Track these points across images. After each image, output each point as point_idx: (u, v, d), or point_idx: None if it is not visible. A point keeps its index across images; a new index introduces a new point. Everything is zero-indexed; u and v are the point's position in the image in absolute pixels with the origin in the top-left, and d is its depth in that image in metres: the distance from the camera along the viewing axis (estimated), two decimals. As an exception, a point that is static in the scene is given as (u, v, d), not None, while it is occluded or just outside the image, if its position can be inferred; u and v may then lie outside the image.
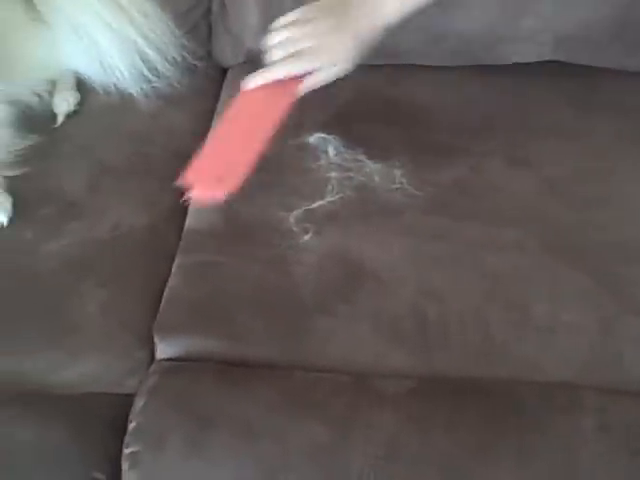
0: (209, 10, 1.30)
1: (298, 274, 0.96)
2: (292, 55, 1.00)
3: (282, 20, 1.03)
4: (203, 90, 1.26)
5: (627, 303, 0.93)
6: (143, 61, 1.22)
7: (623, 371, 0.89)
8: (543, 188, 1.05)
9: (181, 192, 0.94)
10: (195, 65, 1.25)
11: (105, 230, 1.03)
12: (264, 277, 0.96)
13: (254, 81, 1.01)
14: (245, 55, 1.29)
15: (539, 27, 1.21)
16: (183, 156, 1.14)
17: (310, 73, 1.00)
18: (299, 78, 1.00)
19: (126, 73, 1.21)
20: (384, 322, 0.92)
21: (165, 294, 0.97)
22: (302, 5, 1.18)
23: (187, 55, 1.24)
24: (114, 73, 1.22)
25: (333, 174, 1.06)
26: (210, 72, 1.30)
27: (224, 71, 1.32)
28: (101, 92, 1.22)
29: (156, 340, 0.93)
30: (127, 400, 0.89)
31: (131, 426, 0.85)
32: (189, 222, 1.05)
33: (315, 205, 1.03)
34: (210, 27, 1.30)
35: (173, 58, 1.23)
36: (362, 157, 1.07)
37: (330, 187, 1.04)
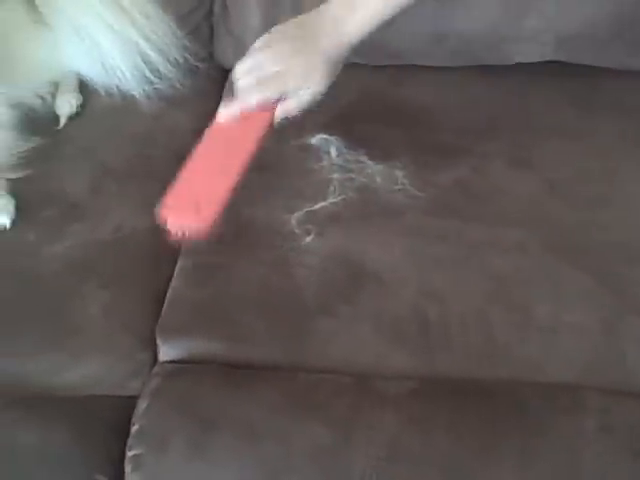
0: (211, 11, 1.30)
1: (300, 276, 0.96)
2: (260, 82, 1.00)
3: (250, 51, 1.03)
4: (205, 91, 1.26)
5: (630, 303, 0.93)
6: (145, 63, 1.22)
7: (626, 372, 0.89)
8: (546, 189, 1.05)
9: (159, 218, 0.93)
10: (197, 66, 1.25)
11: (107, 232, 1.03)
12: (266, 279, 0.96)
13: (226, 113, 1.01)
14: (247, 56, 1.29)
15: (542, 27, 1.20)
16: (185, 157, 1.15)
17: (282, 99, 0.99)
18: (272, 105, 1.00)
19: (128, 75, 1.22)
20: (386, 323, 0.92)
21: (168, 296, 0.97)
22: (301, 7, 1.19)
23: (189, 56, 1.24)
24: (116, 75, 1.22)
25: (335, 175, 1.06)
26: (212, 73, 1.30)
27: (226, 72, 1.31)
28: (103, 94, 1.22)
29: (159, 342, 0.93)
30: (130, 402, 0.89)
31: (134, 428, 0.86)
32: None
33: (317, 206, 1.03)
34: (212, 28, 1.30)
35: (175, 59, 1.23)
36: (364, 158, 1.07)
37: (332, 188, 1.04)
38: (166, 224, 0.92)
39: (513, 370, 0.89)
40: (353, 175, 1.05)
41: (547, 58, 1.22)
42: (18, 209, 1.05)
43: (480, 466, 0.82)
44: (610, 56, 1.23)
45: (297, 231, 0.99)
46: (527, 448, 0.82)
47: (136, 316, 0.96)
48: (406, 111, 1.18)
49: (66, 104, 1.20)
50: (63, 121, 1.19)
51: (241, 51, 1.27)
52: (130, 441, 0.85)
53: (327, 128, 1.10)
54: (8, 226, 1.03)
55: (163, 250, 1.02)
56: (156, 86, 1.21)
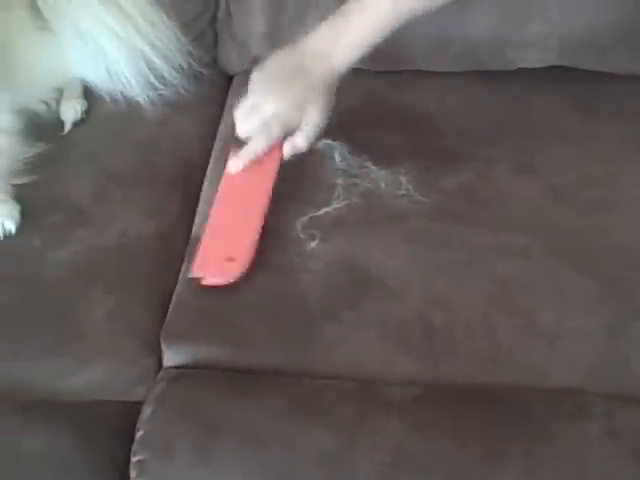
0: (215, 17, 1.30)
1: (305, 281, 0.96)
2: (261, 128, 1.01)
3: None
4: (209, 97, 1.26)
5: (634, 308, 0.93)
6: (150, 69, 1.22)
7: (630, 377, 0.89)
8: (549, 194, 1.05)
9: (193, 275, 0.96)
10: (201, 72, 1.25)
11: (112, 237, 1.03)
12: (271, 284, 0.96)
13: (236, 164, 1.03)
14: (251, 62, 1.28)
15: (545, 32, 1.21)
16: (190, 163, 1.16)
17: (287, 137, 1.02)
18: (278, 144, 1.02)
19: (133, 81, 1.22)
20: (390, 329, 0.92)
21: (172, 301, 0.97)
22: (307, 8, 1.19)
23: (193, 62, 1.24)
24: (121, 81, 1.22)
25: (339, 180, 1.06)
26: (216, 79, 1.30)
27: (230, 78, 1.32)
28: (108, 100, 1.22)
29: (163, 347, 0.93)
30: (135, 408, 0.89)
31: (139, 434, 0.86)
32: (196, 229, 1.05)
33: (321, 212, 1.03)
34: (216, 34, 1.31)
35: (179, 65, 1.23)
36: (368, 163, 1.07)
37: (336, 194, 1.05)
38: (201, 280, 0.94)
39: (517, 375, 0.89)
40: (357, 180, 1.06)
41: (550, 63, 1.22)
42: (23, 215, 1.05)
43: (485, 472, 0.82)
44: (613, 61, 1.23)
45: (302, 236, 1.00)
46: (532, 453, 0.82)
47: (141, 321, 0.96)
48: (410, 116, 1.18)
49: (71, 110, 1.20)
50: (68, 127, 1.19)
51: (245, 57, 1.29)
52: (135, 446, 0.85)
53: (331, 133, 1.09)
54: (13, 231, 1.03)
55: (168, 255, 1.03)
56: (160, 92, 1.22)
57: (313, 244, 0.99)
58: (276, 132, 1.01)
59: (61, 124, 1.19)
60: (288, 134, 1.02)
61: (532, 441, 0.83)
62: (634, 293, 0.94)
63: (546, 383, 0.88)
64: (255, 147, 1.02)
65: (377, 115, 1.17)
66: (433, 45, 1.24)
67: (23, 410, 0.90)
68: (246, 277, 0.96)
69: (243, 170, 1.03)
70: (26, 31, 1.21)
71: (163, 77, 1.22)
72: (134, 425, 0.87)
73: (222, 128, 1.21)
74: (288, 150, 1.02)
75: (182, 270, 1.00)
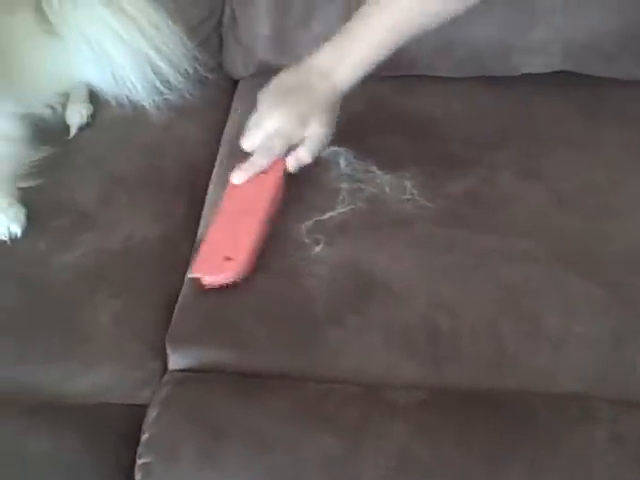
0: (220, 22, 1.30)
1: (310, 285, 0.96)
2: (265, 143, 1.03)
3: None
4: (214, 102, 1.27)
5: (639, 314, 0.93)
6: (155, 73, 1.23)
7: (636, 382, 0.88)
8: (554, 199, 1.05)
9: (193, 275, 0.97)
10: (206, 77, 1.26)
11: (118, 241, 1.04)
12: (276, 288, 0.96)
13: (240, 176, 1.04)
14: (256, 66, 1.30)
15: (549, 38, 1.21)
16: (195, 167, 1.16)
17: (291, 151, 1.04)
18: (282, 158, 1.04)
19: (138, 85, 1.22)
20: (395, 333, 0.92)
21: (178, 305, 0.97)
22: (312, 12, 1.19)
23: (198, 67, 1.25)
24: (126, 85, 1.23)
25: (344, 185, 1.06)
26: (221, 83, 1.30)
27: (235, 82, 1.33)
28: (113, 104, 1.23)
29: (169, 351, 0.93)
30: (140, 411, 0.89)
31: (144, 437, 0.86)
32: (201, 233, 1.06)
33: (326, 216, 1.03)
34: (221, 39, 1.31)
35: (185, 70, 1.24)
36: (373, 168, 1.07)
37: (341, 198, 1.05)
38: (200, 280, 0.95)
39: (522, 380, 0.89)
40: (362, 185, 1.06)
41: (554, 69, 1.22)
42: (29, 218, 1.05)
43: (489, 477, 0.82)
44: (617, 67, 1.24)
45: (306, 241, 1.00)
46: (537, 459, 0.82)
47: (146, 325, 0.96)
48: (414, 121, 1.18)
49: (76, 114, 1.21)
50: (74, 131, 1.19)
51: (250, 61, 1.29)
52: (140, 449, 0.85)
53: (336, 138, 1.10)
54: (19, 235, 1.04)
55: (173, 259, 1.03)
56: (166, 96, 1.22)
57: (318, 248, 0.99)
58: (278, 147, 1.03)
59: (67, 128, 1.20)
60: (291, 148, 1.04)
61: (537, 446, 0.83)
62: (639, 298, 0.94)
63: (551, 388, 0.88)
64: (258, 161, 1.04)
65: (382, 120, 1.17)
66: (438, 50, 1.24)
67: (29, 413, 0.90)
68: (251, 281, 0.96)
69: (245, 183, 1.04)
70: (32, 35, 1.22)
71: (168, 82, 1.23)
72: (139, 428, 0.87)
73: (227, 132, 1.22)
74: (292, 163, 1.04)
75: (187, 274, 1.00)
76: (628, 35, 1.21)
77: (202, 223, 1.08)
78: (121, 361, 0.93)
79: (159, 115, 1.21)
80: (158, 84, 1.22)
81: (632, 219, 1.03)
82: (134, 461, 0.85)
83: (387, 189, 1.05)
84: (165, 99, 1.22)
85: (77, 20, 1.22)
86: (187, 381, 0.91)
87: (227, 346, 0.92)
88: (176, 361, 0.93)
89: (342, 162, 1.08)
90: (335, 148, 1.09)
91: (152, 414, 0.87)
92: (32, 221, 1.05)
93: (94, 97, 1.24)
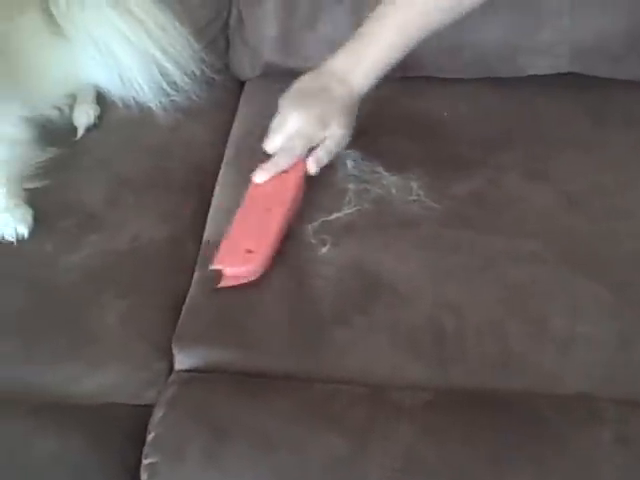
0: (227, 23, 1.31)
1: (316, 286, 0.96)
2: (286, 144, 1.05)
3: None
4: (221, 103, 1.27)
5: (646, 315, 0.93)
6: (162, 75, 1.23)
7: (642, 383, 0.88)
8: (561, 200, 1.05)
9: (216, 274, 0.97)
10: (213, 78, 1.26)
11: (124, 242, 1.04)
12: (282, 289, 0.97)
13: (263, 176, 1.05)
14: (263, 68, 1.30)
15: (556, 39, 1.21)
16: (201, 168, 1.16)
17: (311, 152, 1.05)
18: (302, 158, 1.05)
19: (145, 87, 1.23)
20: (401, 334, 0.92)
21: (185, 305, 0.98)
22: (319, 13, 1.19)
23: (205, 68, 1.25)
24: (133, 87, 1.23)
25: (350, 186, 1.06)
26: (228, 85, 1.31)
27: (242, 84, 1.33)
28: (120, 105, 1.23)
29: (175, 351, 0.93)
30: (146, 411, 0.89)
31: (150, 437, 0.86)
32: (208, 234, 1.06)
33: (332, 217, 1.03)
34: (228, 40, 1.31)
35: (191, 71, 1.24)
36: (379, 169, 1.08)
37: (347, 199, 1.05)
38: (221, 274, 0.96)
39: (529, 381, 0.89)
40: (368, 186, 1.06)
41: (561, 70, 1.22)
42: (36, 219, 1.05)
43: (495, 477, 0.82)
44: (624, 68, 1.23)
45: (313, 241, 1.00)
46: (543, 459, 0.82)
47: (153, 325, 0.96)
48: (420, 123, 1.18)
49: (84, 115, 1.21)
50: (81, 132, 1.20)
51: (257, 62, 1.29)
52: (146, 449, 0.85)
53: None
54: (26, 236, 1.04)
55: (180, 260, 1.03)
56: (173, 98, 1.22)
57: (324, 249, 0.99)
58: (299, 148, 1.05)
59: (73, 129, 1.20)
60: (311, 149, 1.05)
61: (543, 447, 0.83)
62: (647, 299, 0.94)
63: (558, 389, 0.88)
64: (280, 161, 1.05)
65: (388, 121, 1.17)
66: (444, 52, 1.24)
67: (35, 413, 0.90)
68: (257, 281, 0.96)
69: (267, 183, 1.05)
70: (39, 36, 1.22)
71: (175, 83, 1.23)
72: (145, 428, 0.87)
73: (234, 133, 1.22)
74: (312, 164, 1.05)
75: (194, 274, 1.01)
76: (635, 36, 1.21)
77: (208, 224, 1.08)
78: (127, 361, 0.93)
79: (166, 116, 1.21)
80: (165, 85, 1.23)
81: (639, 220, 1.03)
82: (140, 461, 0.85)
83: (393, 190, 1.06)
84: (172, 100, 1.22)
85: (84, 22, 1.22)
86: (193, 381, 0.91)
87: (233, 346, 0.93)
88: (182, 361, 0.93)
89: (349, 163, 1.09)
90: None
91: (158, 414, 0.87)
92: (39, 222, 1.05)
93: (101, 98, 1.25)
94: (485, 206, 1.05)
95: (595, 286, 0.95)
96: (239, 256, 0.97)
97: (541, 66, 1.22)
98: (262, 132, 1.15)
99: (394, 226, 1.02)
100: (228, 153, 1.18)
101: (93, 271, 1.00)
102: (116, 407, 0.91)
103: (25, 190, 1.09)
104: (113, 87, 1.24)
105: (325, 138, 1.05)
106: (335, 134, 1.05)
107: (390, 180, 1.06)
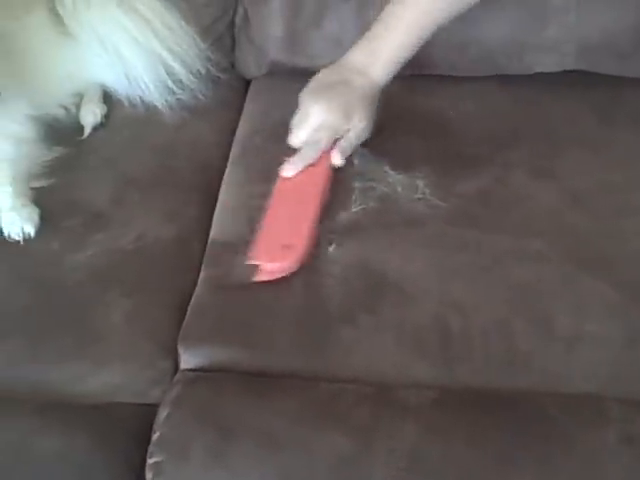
0: (233, 22, 1.31)
1: (322, 285, 0.96)
2: (312, 138, 1.05)
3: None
4: (227, 102, 1.27)
5: (652, 314, 0.92)
6: (168, 73, 1.23)
7: (649, 382, 0.88)
8: (567, 199, 1.05)
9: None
10: (219, 77, 1.26)
11: (130, 241, 1.04)
12: (288, 288, 0.96)
13: (291, 169, 1.06)
14: (268, 66, 1.30)
15: (562, 37, 1.20)
16: (207, 167, 1.16)
17: (336, 144, 1.06)
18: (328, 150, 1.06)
19: (151, 85, 1.23)
20: (407, 333, 0.92)
21: (190, 304, 0.98)
22: (325, 12, 1.20)
23: (211, 67, 1.25)
24: (139, 85, 1.23)
25: (356, 184, 1.06)
26: (234, 83, 1.31)
27: (247, 82, 1.33)
28: (126, 104, 1.23)
29: (180, 350, 0.94)
30: (151, 410, 0.89)
31: (155, 436, 0.86)
32: (214, 233, 1.06)
33: (339, 215, 1.03)
34: (234, 39, 1.31)
35: (197, 70, 1.24)
36: (385, 167, 1.07)
37: (353, 197, 1.05)
38: (257, 269, 0.96)
39: (534, 380, 0.89)
40: (374, 184, 1.06)
41: (567, 68, 1.22)
42: (42, 218, 1.06)
43: (500, 477, 0.82)
44: (631, 66, 1.23)
45: (319, 240, 1.00)
46: (548, 459, 0.82)
47: (158, 324, 0.96)
48: (427, 120, 1.18)
49: (90, 114, 1.21)
50: (87, 131, 1.20)
51: (263, 61, 1.29)
52: (151, 448, 0.85)
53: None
54: (33, 235, 1.04)
55: (186, 259, 1.03)
56: (179, 97, 1.22)
57: (330, 248, 0.99)
58: (325, 140, 1.06)
59: (80, 128, 1.20)
60: (336, 140, 1.06)
61: (549, 446, 0.83)
62: (653, 298, 0.94)
63: (563, 388, 0.88)
64: (307, 154, 1.06)
65: (394, 119, 1.16)
66: (450, 50, 1.24)
67: (40, 412, 0.90)
68: (262, 281, 0.96)
69: (295, 176, 1.06)
70: (45, 36, 1.22)
71: (181, 82, 1.23)
72: (150, 427, 0.87)
73: (239, 132, 1.22)
74: (337, 155, 1.06)
75: (200, 273, 1.01)
76: (642, 34, 1.20)
77: (214, 223, 1.08)
78: (132, 360, 0.93)
79: (172, 115, 1.21)
80: (171, 84, 1.23)
81: (647, 219, 1.03)
82: (145, 460, 0.85)
83: (399, 188, 1.05)
84: (178, 99, 1.22)
85: (90, 21, 1.23)
86: (198, 380, 0.91)
87: (238, 346, 0.93)
88: (187, 360, 0.93)
89: (355, 161, 1.09)
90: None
91: (163, 413, 0.87)
92: (45, 221, 1.06)
93: (107, 97, 1.25)
94: (491, 204, 1.05)
95: (601, 285, 0.94)
96: (277, 251, 0.97)
97: (547, 63, 1.22)
98: (268, 131, 1.16)
99: (400, 225, 1.02)
100: (234, 152, 1.18)
101: (99, 270, 1.01)
102: (121, 406, 0.92)
103: (31, 189, 1.09)
104: (119, 86, 1.25)
105: (349, 129, 1.06)
106: (358, 125, 1.06)
107: (396, 178, 1.06)
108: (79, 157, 1.15)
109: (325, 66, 1.11)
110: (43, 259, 1.02)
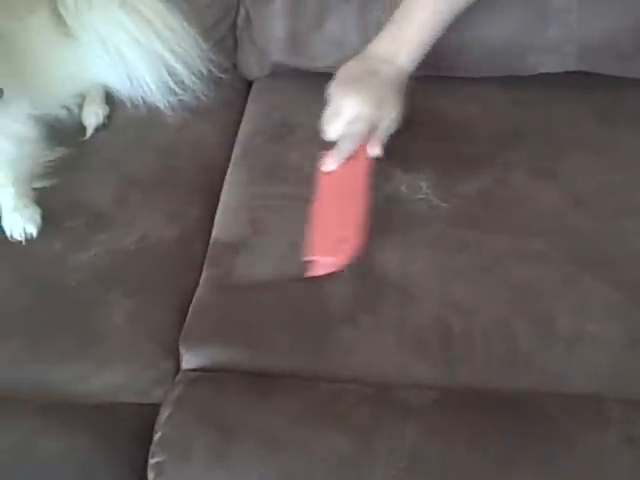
0: (235, 23, 1.31)
1: (323, 285, 0.96)
2: (347, 130, 1.05)
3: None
4: (229, 102, 1.27)
5: (654, 315, 0.92)
6: (170, 74, 1.23)
7: (649, 383, 0.88)
8: (569, 200, 1.05)
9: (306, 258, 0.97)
10: (221, 78, 1.26)
11: (133, 241, 1.04)
12: (289, 288, 0.97)
13: (331, 163, 1.05)
14: (270, 67, 1.30)
15: (564, 38, 1.20)
16: (209, 168, 1.16)
17: (371, 135, 1.05)
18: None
19: (153, 86, 1.23)
20: (408, 333, 0.92)
21: (192, 305, 0.98)
22: (326, 13, 1.20)
23: (213, 68, 1.25)
24: (141, 86, 1.23)
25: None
26: (236, 84, 1.31)
27: (249, 83, 1.33)
28: (128, 105, 1.24)
29: (182, 350, 0.94)
30: (153, 410, 0.90)
31: (156, 436, 0.86)
32: (216, 233, 1.06)
33: (341, 215, 1.03)
34: (236, 40, 1.31)
35: (199, 71, 1.24)
36: (389, 168, 1.07)
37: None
38: (313, 264, 0.97)
39: (535, 381, 0.89)
40: (377, 184, 1.06)
41: (569, 68, 1.21)
42: (44, 219, 1.06)
43: (501, 477, 0.82)
44: (632, 67, 1.22)
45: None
46: (549, 459, 0.82)
47: (160, 325, 0.96)
48: (429, 121, 1.18)
49: (93, 115, 1.22)
50: (90, 132, 1.20)
51: (265, 62, 1.29)
52: (153, 448, 0.86)
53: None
54: (35, 235, 1.04)
55: (188, 259, 1.03)
56: (181, 97, 1.22)
57: (331, 248, 0.99)
58: (362, 131, 1.05)
59: (82, 129, 1.21)
60: (372, 131, 1.05)
61: (550, 447, 0.83)
62: (654, 299, 0.94)
63: (564, 389, 0.88)
64: (345, 147, 1.05)
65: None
66: (452, 51, 1.23)
67: (43, 412, 0.90)
68: (264, 281, 0.96)
69: (335, 170, 1.06)
70: (47, 36, 1.23)
71: (183, 83, 1.23)
72: (152, 427, 0.88)
73: (241, 133, 1.22)
74: (375, 146, 1.05)
75: (202, 274, 1.01)
76: (644, 35, 1.20)
77: (216, 223, 1.08)
78: (135, 361, 0.94)
79: (174, 116, 1.21)
80: (173, 85, 1.23)
81: (648, 220, 1.03)
82: (147, 460, 0.85)
83: (402, 188, 1.06)
84: (180, 100, 1.22)
85: (92, 21, 1.23)
86: (199, 381, 0.91)
87: (240, 346, 0.93)
88: (189, 360, 0.93)
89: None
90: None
91: (165, 413, 0.88)
92: (47, 221, 1.06)
93: (109, 98, 1.25)
94: (492, 205, 1.05)
95: (602, 285, 0.94)
96: (333, 245, 0.98)
97: (549, 64, 1.22)
98: (270, 131, 1.16)
99: (402, 225, 1.02)
100: (236, 152, 1.19)
101: (101, 270, 1.01)
102: (123, 406, 0.92)
103: (34, 189, 1.10)
104: (121, 87, 1.25)
105: (382, 119, 1.05)
106: (390, 114, 1.06)
107: (398, 179, 1.06)
108: (81, 158, 1.15)
109: (347, 60, 1.10)
110: (45, 259, 1.03)
